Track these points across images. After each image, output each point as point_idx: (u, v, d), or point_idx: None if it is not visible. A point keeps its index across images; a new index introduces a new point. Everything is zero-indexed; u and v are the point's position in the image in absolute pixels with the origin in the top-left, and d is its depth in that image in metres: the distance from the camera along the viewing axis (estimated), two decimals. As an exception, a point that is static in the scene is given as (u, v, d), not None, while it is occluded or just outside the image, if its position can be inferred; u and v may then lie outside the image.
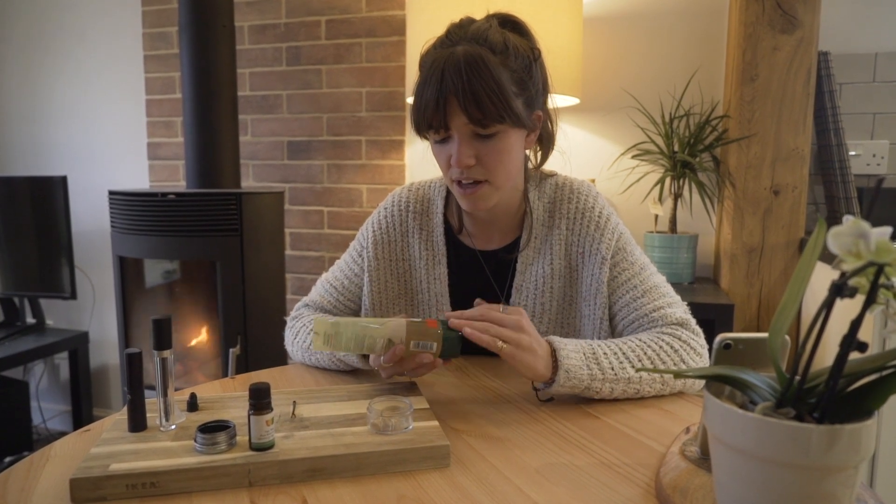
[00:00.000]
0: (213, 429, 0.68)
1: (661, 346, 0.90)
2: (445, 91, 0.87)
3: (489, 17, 0.95)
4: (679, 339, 0.91)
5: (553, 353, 0.85)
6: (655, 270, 1.02)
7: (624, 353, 0.87)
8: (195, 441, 0.67)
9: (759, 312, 1.78)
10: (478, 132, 0.90)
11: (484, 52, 0.88)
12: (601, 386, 0.85)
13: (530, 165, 1.06)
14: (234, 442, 0.68)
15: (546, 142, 1.04)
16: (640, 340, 0.91)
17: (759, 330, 1.79)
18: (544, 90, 0.99)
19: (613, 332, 1.02)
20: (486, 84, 0.86)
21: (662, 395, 0.90)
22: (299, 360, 1.06)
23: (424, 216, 1.09)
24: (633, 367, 0.86)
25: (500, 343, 0.80)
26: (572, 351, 0.85)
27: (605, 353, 0.86)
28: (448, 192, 1.08)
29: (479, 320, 0.83)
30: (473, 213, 1.02)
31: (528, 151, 1.04)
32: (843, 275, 0.42)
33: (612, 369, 0.85)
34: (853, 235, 0.39)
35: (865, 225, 0.39)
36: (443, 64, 0.87)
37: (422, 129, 0.94)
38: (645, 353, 0.88)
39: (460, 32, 0.91)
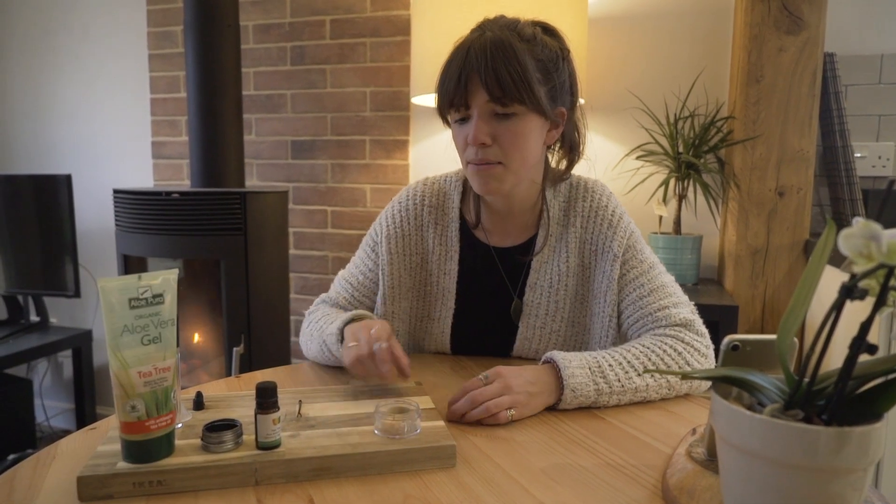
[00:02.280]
0: (219, 427, 0.68)
1: (664, 351, 0.90)
2: (469, 68, 0.90)
3: (526, 20, 0.98)
4: (682, 341, 0.91)
5: (557, 370, 0.85)
6: (664, 270, 1.02)
7: (629, 363, 0.87)
8: (202, 440, 0.67)
9: (763, 314, 1.78)
10: (497, 111, 0.92)
11: (512, 37, 0.91)
12: (608, 399, 0.85)
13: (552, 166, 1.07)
14: (241, 441, 0.68)
15: (572, 150, 1.04)
16: (643, 346, 0.91)
17: (763, 331, 1.78)
18: (572, 93, 1.00)
19: (619, 330, 1.02)
20: (509, 63, 0.88)
21: (669, 398, 0.90)
22: (308, 355, 1.06)
23: (440, 210, 1.09)
24: (638, 375, 0.87)
25: (509, 412, 0.79)
26: (577, 367, 0.85)
27: (610, 366, 0.86)
28: (465, 187, 1.09)
29: (468, 404, 0.80)
30: (486, 196, 1.01)
31: (550, 157, 1.05)
32: (853, 277, 0.42)
33: (619, 381, 0.85)
34: (864, 237, 0.39)
35: (877, 227, 0.39)
36: (469, 44, 0.91)
37: (444, 108, 0.96)
38: (649, 360, 0.89)
39: (492, 23, 0.95)
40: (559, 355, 0.87)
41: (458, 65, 0.91)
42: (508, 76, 0.88)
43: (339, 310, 1.09)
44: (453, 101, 0.93)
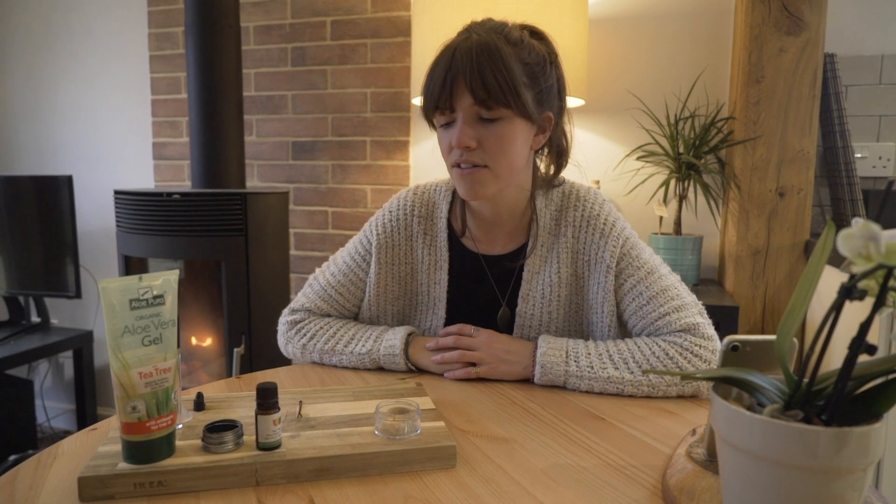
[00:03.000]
0: (220, 428, 0.68)
1: (652, 352, 0.91)
2: (454, 70, 0.89)
3: (514, 23, 0.98)
4: (679, 346, 0.91)
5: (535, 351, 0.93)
6: (666, 272, 1.00)
7: (609, 355, 0.92)
8: (202, 440, 0.67)
9: (763, 315, 1.78)
10: (482, 115, 0.91)
11: (498, 40, 0.90)
12: (578, 382, 0.91)
13: (541, 172, 1.06)
14: (241, 441, 0.68)
15: (559, 156, 1.04)
16: (633, 344, 0.93)
17: (763, 332, 1.78)
18: (560, 98, 1.00)
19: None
20: (494, 67, 0.88)
21: (654, 397, 0.90)
22: (311, 361, 1.07)
23: (429, 220, 1.08)
24: (615, 367, 0.90)
25: (473, 370, 0.96)
26: (553, 349, 0.92)
27: (587, 353, 0.92)
28: (453, 196, 1.08)
29: (452, 347, 0.98)
30: (472, 201, 1.00)
31: (539, 162, 1.04)
32: (852, 277, 0.42)
33: (591, 367, 0.90)
34: (863, 238, 0.39)
35: (876, 227, 0.39)
36: (455, 47, 0.91)
37: (429, 112, 0.96)
38: (633, 357, 0.91)
39: (479, 26, 0.94)
40: (543, 337, 0.95)
41: (444, 67, 0.90)
42: (494, 79, 0.87)
43: (336, 320, 1.09)
44: (438, 104, 0.92)
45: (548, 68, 0.95)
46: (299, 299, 1.12)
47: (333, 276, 1.11)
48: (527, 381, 0.96)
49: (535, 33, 0.98)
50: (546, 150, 1.04)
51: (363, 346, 1.01)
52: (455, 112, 0.92)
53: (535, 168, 1.04)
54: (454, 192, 1.08)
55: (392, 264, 1.08)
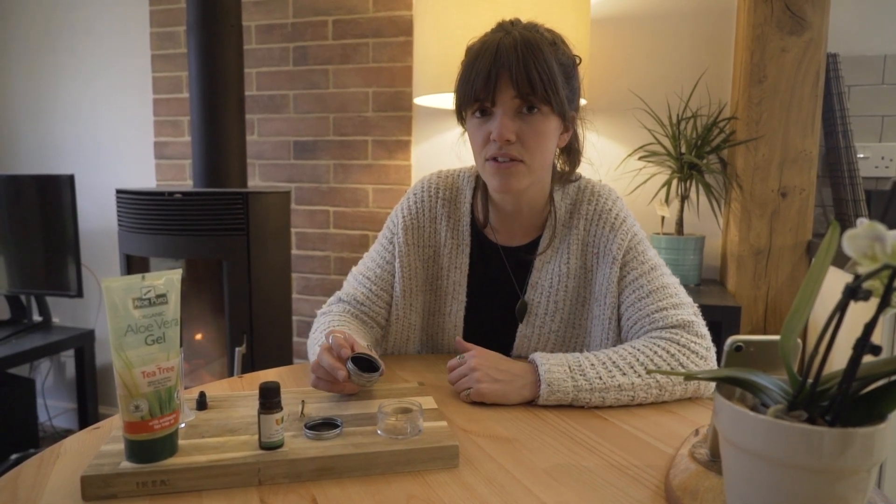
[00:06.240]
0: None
1: (654, 352, 0.89)
2: (499, 64, 0.91)
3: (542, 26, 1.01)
4: (677, 343, 0.90)
5: (536, 368, 0.87)
6: (668, 272, 1.02)
7: (613, 362, 0.88)
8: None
9: (765, 315, 1.77)
10: (522, 110, 0.93)
11: (539, 37, 0.93)
12: (589, 396, 0.85)
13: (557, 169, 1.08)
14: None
15: (572, 156, 1.07)
16: (632, 348, 0.90)
17: (765, 332, 1.78)
18: (578, 99, 1.03)
19: (620, 333, 1.02)
20: (538, 63, 0.90)
21: (661, 400, 0.89)
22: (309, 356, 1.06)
23: (453, 204, 1.10)
24: (622, 374, 0.87)
25: (464, 393, 0.88)
26: (555, 365, 0.87)
27: (592, 364, 0.87)
28: (476, 184, 1.09)
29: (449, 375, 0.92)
30: (503, 194, 1.02)
31: (555, 159, 1.07)
32: (857, 277, 0.42)
33: (600, 378, 0.86)
34: (869, 238, 0.39)
35: (882, 228, 0.39)
36: (498, 42, 0.92)
37: (466, 104, 0.97)
38: (637, 360, 0.88)
39: (514, 25, 0.96)
40: (538, 354, 0.89)
41: (488, 61, 0.92)
42: (537, 75, 0.90)
43: (355, 307, 1.08)
44: (479, 97, 0.93)
45: (575, 70, 0.99)
46: (338, 292, 1.13)
47: (364, 264, 1.13)
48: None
49: (561, 39, 1.01)
50: (560, 149, 1.06)
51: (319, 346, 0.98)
52: (495, 106, 0.94)
53: (554, 165, 1.06)
54: (477, 180, 1.10)
55: (418, 246, 1.09)
